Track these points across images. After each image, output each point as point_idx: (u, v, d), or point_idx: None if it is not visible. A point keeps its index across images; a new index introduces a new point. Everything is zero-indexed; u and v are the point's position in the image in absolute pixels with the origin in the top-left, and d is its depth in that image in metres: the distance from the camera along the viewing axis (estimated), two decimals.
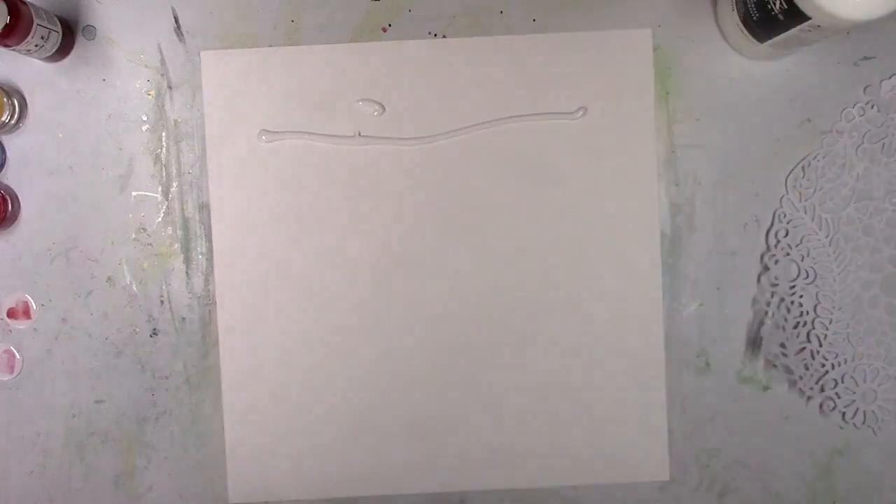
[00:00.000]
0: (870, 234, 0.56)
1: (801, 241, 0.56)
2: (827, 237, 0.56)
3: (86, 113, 0.56)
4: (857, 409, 0.56)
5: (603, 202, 0.56)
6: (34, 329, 0.56)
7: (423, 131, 0.56)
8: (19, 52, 0.52)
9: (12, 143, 0.56)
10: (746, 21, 0.52)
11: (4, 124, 0.54)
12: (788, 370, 0.56)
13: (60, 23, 0.54)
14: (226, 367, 0.56)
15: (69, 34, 0.55)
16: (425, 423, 0.56)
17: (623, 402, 0.57)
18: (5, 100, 0.54)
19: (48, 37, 0.52)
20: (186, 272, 0.56)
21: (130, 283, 0.56)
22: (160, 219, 0.56)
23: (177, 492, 0.57)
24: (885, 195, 0.55)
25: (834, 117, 0.56)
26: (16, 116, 0.55)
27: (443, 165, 0.56)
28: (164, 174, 0.56)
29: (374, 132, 0.56)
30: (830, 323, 0.56)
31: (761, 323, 0.56)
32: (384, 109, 0.55)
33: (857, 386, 0.56)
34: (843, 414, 0.56)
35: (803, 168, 0.56)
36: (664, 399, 0.56)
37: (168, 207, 0.56)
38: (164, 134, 0.56)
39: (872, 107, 0.55)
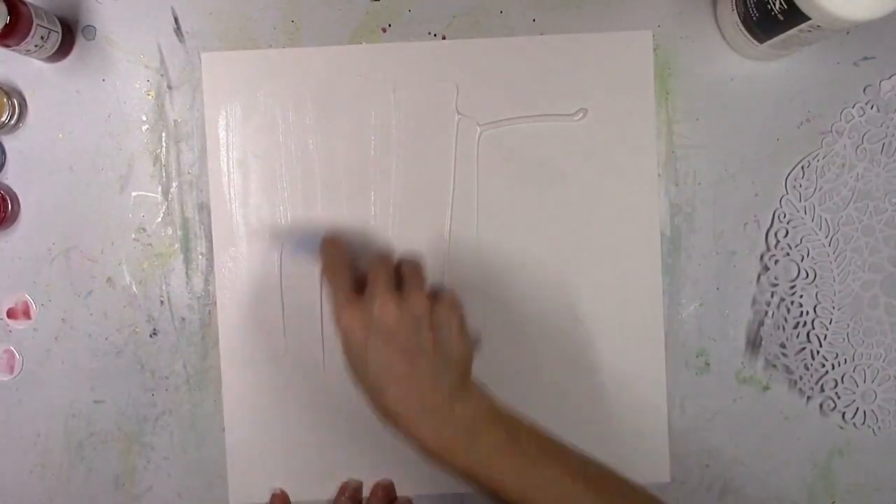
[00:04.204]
0: (870, 234, 0.56)
1: (801, 241, 0.56)
2: (827, 237, 0.56)
3: (86, 113, 0.56)
4: (857, 409, 0.56)
5: (603, 202, 0.56)
6: (34, 329, 0.56)
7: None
8: (19, 52, 0.52)
9: (12, 143, 0.56)
10: (746, 21, 0.52)
11: (4, 124, 0.54)
12: (788, 370, 0.56)
13: (60, 23, 0.54)
14: (226, 367, 0.56)
15: (69, 34, 0.55)
16: None
17: (623, 403, 0.57)
18: (5, 100, 0.54)
19: (48, 37, 0.52)
20: (186, 272, 0.56)
21: (130, 283, 0.56)
22: (160, 219, 0.56)
23: (177, 492, 0.57)
24: (884, 195, 0.55)
25: (833, 117, 0.56)
26: (16, 116, 0.55)
27: (443, 167, 0.56)
28: (163, 174, 0.56)
29: (373, 133, 0.56)
30: (830, 323, 0.56)
31: (761, 323, 0.56)
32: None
33: (857, 386, 0.56)
34: (843, 414, 0.56)
35: (803, 168, 0.56)
36: (664, 399, 0.56)
37: (168, 208, 0.56)
38: (163, 134, 0.56)
39: (872, 107, 0.55)
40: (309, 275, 0.56)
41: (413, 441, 0.46)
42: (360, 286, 0.49)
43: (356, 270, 0.50)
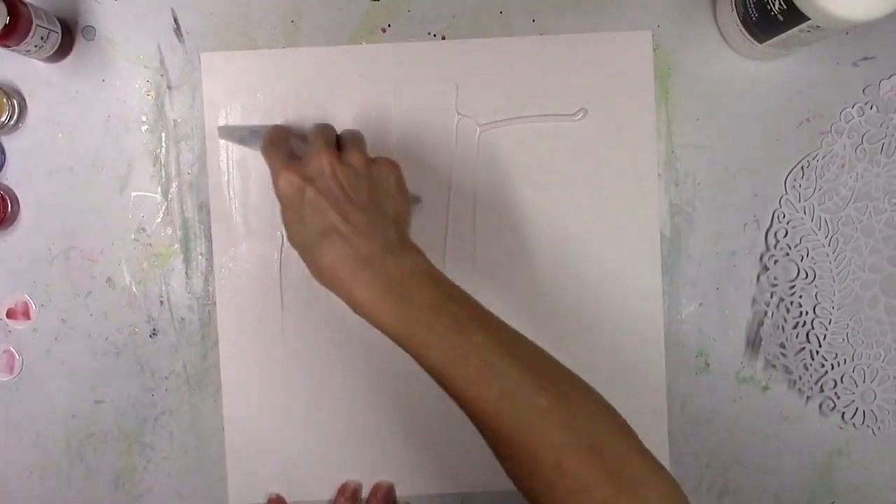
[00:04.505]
0: (869, 234, 0.56)
1: (801, 241, 0.56)
2: (826, 237, 0.56)
3: (85, 113, 0.56)
4: (857, 409, 0.56)
5: (603, 202, 0.56)
6: (34, 329, 0.56)
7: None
8: (19, 52, 0.52)
9: (12, 143, 0.56)
10: (746, 21, 0.52)
11: (4, 125, 0.54)
12: (788, 370, 0.56)
13: (60, 23, 0.54)
14: (226, 367, 0.56)
15: (69, 34, 0.55)
16: (425, 424, 0.56)
17: (623, 403, 0.56)
18: (5, 100, 0.54)
19: (48, 37, 0.52)
20: (186, 272, 0.56)
21: (130, 283, 0.56)
22: (160, 219, 0.56)
23: (177, 492, 0.57)
24: (884, 195, 0.55)
25: (833, 117, 0.56)
26: (16, 116, 0.55)
27: (443, 167, 0.56)
28: (163, 174, 0.56)
29: (373, 134, 0.56)
30: (830, 323, 0.56)
31: (761, 323, 0.56)
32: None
33: (857, 386, 0.56)
34: (843, 414, 0.56)
35: (803, 168, 0.56)
36: (664, 399, 0.56)
37: (167, 208, 0.56)
38: (163, 134, 0.56)
39: (872, 107, 0.55)
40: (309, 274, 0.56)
41: (345, 296, 0.44)
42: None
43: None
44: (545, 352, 0.45)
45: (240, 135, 0.54)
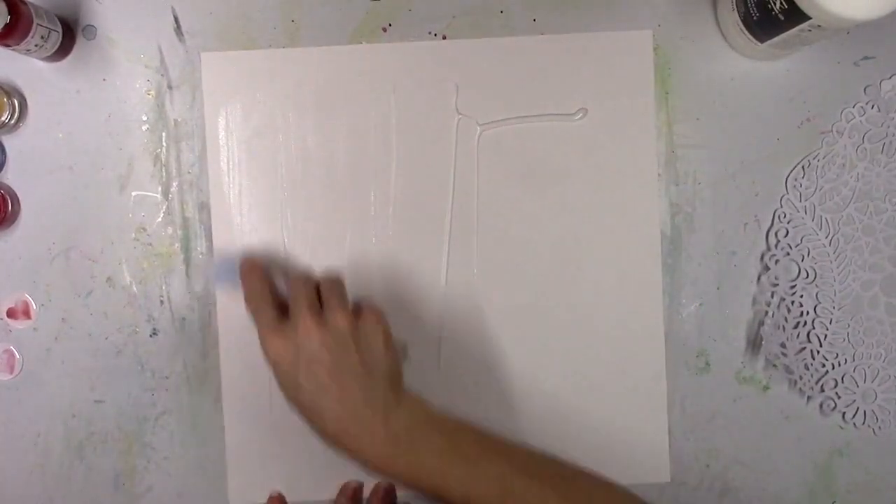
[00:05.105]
0: (870, 234, 0.56)
1: (801, 240, 0.56)
2: (827, 237, 0.56)
3: (86, 113, 0.56)
4: (857, 408, 0.56)
5: (603, 202, 0.56)
6: (34, 329, 0.56)
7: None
8: (19, 52, 0.52)
9: (12, 143, 0.56)
10: (746, 21, 0.52)
11: (4, 124, 0.54)
12: (788, 370, 0.56)
13: (60, 23, 0.54)
14: (226, 367, 0.56)
15: (69, 34, 0.55)
16: None
17: (623, 403, 0.57)
18: (5, 100, 0.54)
19: (48, 37, 0.52)
20: (186, 272, 0.56)
21: (130, 283, 0.56)
22: (160, 219, 0.56)
23: (177, 492, 0.57)
24: (885, 195, 0.55)
25: (834, 117, 0.56)
26: (16, 116, 0.55)
27: (443, 167, 0.56)
28: (163, 174, 0.56)
29: (373, 133, 0.56)
30: (830, 323, 0.56)
31: (761, 323, 0.56)
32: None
33: (857, 386, 0.56)
34: (843, 414, 0.56)
35: (803, 168, 0.56)
36: (664, 399, 0.56)
37: (168, 207, 0.56)
38: (163, 134, 0.56)
39: (872, 107, 0.55)
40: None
41: (357, 459, 0.46)
42: (284, 308, 0.49)
43: (279, 292, 0.51)
44: (559, 460, 0.47)
45: (215, 271, 0.54)
